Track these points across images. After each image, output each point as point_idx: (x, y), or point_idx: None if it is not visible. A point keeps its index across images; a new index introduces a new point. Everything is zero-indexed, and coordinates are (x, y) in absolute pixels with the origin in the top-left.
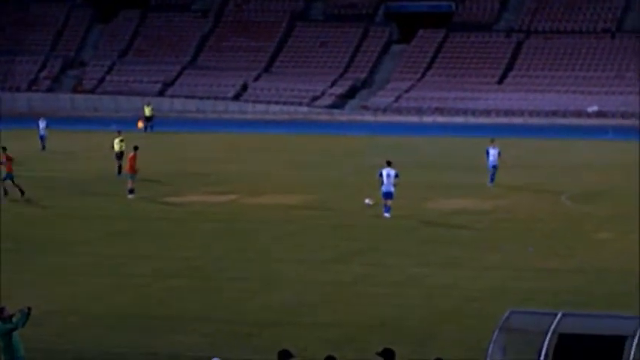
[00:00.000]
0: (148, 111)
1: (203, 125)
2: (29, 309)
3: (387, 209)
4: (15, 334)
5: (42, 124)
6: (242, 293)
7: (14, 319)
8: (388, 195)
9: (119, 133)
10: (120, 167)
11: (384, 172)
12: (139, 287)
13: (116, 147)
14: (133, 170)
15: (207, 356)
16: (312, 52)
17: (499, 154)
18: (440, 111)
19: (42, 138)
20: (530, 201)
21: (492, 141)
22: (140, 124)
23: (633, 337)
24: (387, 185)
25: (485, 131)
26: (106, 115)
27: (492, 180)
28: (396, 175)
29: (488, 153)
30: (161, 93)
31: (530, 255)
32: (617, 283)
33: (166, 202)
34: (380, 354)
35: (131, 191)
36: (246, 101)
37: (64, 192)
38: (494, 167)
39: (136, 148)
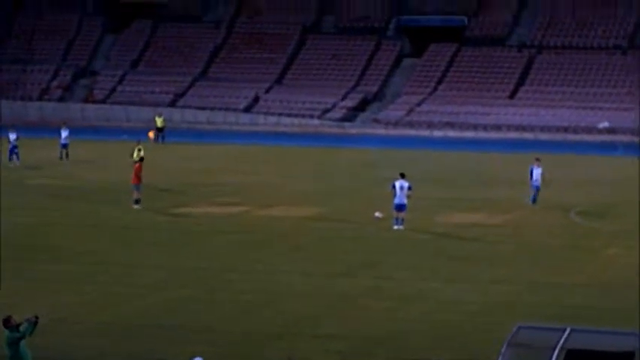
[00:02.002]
0: (159, 122)
1: (214, 136)
2: (37, 318)
3: (399, 221)
4: (22, 343)
5: (64, 132)
6: (249, 304)
7: (21, 328)
8: (401, 207)
9: (138, 142)
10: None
11: (397, 184)
12: (145, 297)
13: (135, 156)
14: (138, 180)
15: None
16: (324, 65)
17: (542, 174)
18: (451, 125)
19: (64, 146)
20: (539, 216)
21: (538, 160)
22: (151, 135)
23: None
24: (400, 197)
25: (495, 146)
26: (116, 125)
27: (534, 200)
28: (409, 188)
29: (532, 172)
30: (172, 104)
31: (538, 270)
32: (625, 298)
33: (176, 213)
34: None
35: (137, 202)
36: (258, 113)
37: (75, 200)
38: (537, 188)
39: (141, 159)
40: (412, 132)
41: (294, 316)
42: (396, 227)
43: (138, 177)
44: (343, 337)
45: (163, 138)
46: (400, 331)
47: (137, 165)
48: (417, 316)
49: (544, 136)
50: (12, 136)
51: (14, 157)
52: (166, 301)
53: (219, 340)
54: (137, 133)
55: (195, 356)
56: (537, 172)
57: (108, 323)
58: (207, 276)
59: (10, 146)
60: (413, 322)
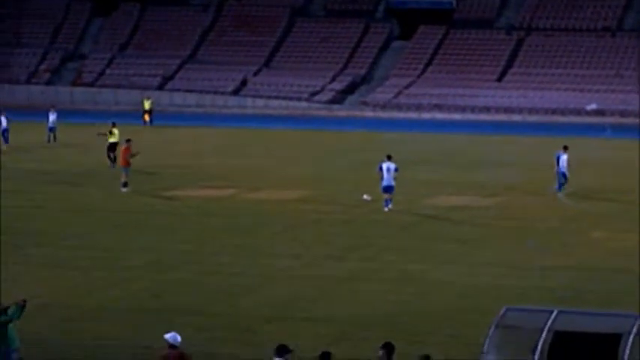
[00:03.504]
0: (147, 104)
1: (202, 119)
2: (24, 301)
3: (388, 202)
4: (10, 326)
5: (52, 116)
6: (238, 288)
7: (9, 312)
8: (389, 189)
9: (114, 124)
10: (114, 158)
11: (384, 166)
12: (134, 280)
13: (111, 138)
14: (127, 163)
15: (203, 351)
16: (312, 48)
17: (567, 160)
18: (439, 107)
19: (51, 130)
20: (527, 198)
21: (565, 148)
22: (147, 117)
23: (629, 334)
24: (388, 179)
25: (483, 128)
26: (105, 109)
27: (560, 187)
28: (396, 169)
29: (558, 159)
30: (160, 87)
31: (527, 252)
32: (612, 280)
33: (164, 196)
34: (381, 347)
35: (125, 184)
36: (246, 96)
37: (63, 184)
38: (564, 175)
39: (128, 141)
40: (400, 114)
41: (284, 300)
42: (386, 209)
43: (126, 160)
44: (333, 320)
45: (151, 121)
46: (390, 314)
47: (124, 147)
48: (406, 299)
49: (532, 118)
50: (3, 120)
51: (2, 140)
52: (154, 285)
53: (208, 324)
54: (126, 116)
55: (169, 331)
56: (564, 159)
57: (94, 308)
58: (196, 259)
59: (1, 130)
60: (402, 304)
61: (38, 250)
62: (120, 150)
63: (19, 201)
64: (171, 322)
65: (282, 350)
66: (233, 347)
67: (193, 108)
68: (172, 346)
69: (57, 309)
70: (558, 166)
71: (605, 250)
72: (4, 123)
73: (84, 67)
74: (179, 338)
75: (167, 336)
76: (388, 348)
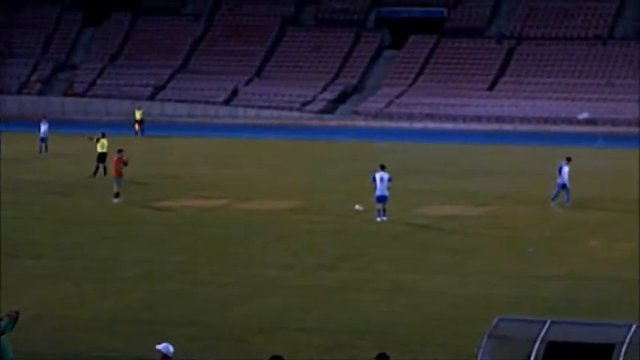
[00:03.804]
0: (138, 115)
1: (194, 129)
2: (17, 313)
3: (382, 213)
4: (3, 337)
5: (43, 126)
6: (230, 298)
7: (2, 323)
8: (382, 199)
9: (103, 135)
10: (104, 169)
11: (378, 176)
12: (126, 291)
13: (99, 148)
14: (119, 174)
15: None
16: (303, 57)
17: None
18: (431, 117)
19: (43, 140)
20: (520, 208)
21: (568, 160)
22: (137, 127)
23: (622, 344)
24: (381, 189)
25: (475, 137)
26: (96, 119)
27: (555, 198)
28: (390, 179)
29: (560, 170)
30: (152, 97)
31: (519, 261)
32: (606, 290)
33: (156, 207)
34: (375, 358)
35: (116, 195)
36: (237, 106)
37: (54, 194)
38: (565, 186)
39: (120, 151)
40: (392, 124)
41: (276, 310)
42: (379, 219)
43: (118, 170)
44: (326, 331)
45: (142, 131)
46: (382, 324)
47: (116, 158)
48: (398, 309)
49: (524, 128)
50: None
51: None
52: (147, 296)
53: (200, 334)
54: (117, 126)
55: (162, 342)
56: (565, 171)
57: (87, 319)
58: (188, 270)
59: None
60: (395, 315)
61: (29, 261)
62: (112, 160)
63: (10, 212)
64: (164, 333)
65: None
66: (226, 357)
67: (185, 118)
68: (165, 357)
69: (50, 320)
70: (560, 176)
71: (600, 259)
72: None
73: (75, 77)
74: (171, 349)
75: (159, 347)
76: (383, 359)
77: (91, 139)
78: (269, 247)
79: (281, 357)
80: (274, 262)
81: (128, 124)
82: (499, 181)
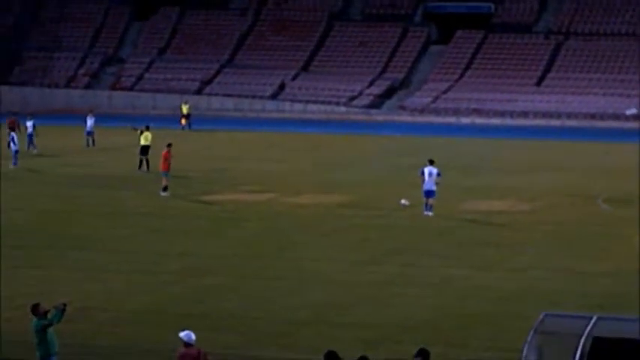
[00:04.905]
0: (185, 109)
1: (240, 124)
2: (64, 305)
3: (429, 208)
4: (50, 330)
5: (90, 120)
6: (277, 292)
7: (49, 316)
8: (430, 193)
9: (147, 128)
10: (147, 162)
11: (426, 171)
12: (173, 284)
13: (142, 141)
14: (167, 167)
15: (241, 354)
16: (350, 52)
17: None
18: (477, 112)
19: (89, 134)
20: (566, 203)
21: None
22: (184, 121)
23: None
24: (429, 183)
25: (522, 133)
26: (144, 113)
27: None
28: (438, 174)
29: None
30: (199, 91)
31: (566, 257)
32: None
33: (203, 201)
34: (416, 355)
35: (165, 189)
36: (284, 100)
37: (101, 188)
38: None
39: (169, 145)
40: (439, 119)
41: (322, 304)
42: (425, 213)
43: (166, 164)
44: (371, 325)
45: (190, 125)
46: (428, 319)
47: (165, 152)
48: (444, 304)
49: (571, 123)
50: (29, 124)
51: (31, 145)
52: (193, 289)
53: (246, 327)
54: (164, 120)
55: (184, 329)
56: None
57: (134, 311)
58: (235, 263)
59: (27, 133)
60: (440, 310)
61: (77, 253)
62: (159, 154)
63: (58, 205)
64: (210, 327)
65: (331, 357)
66: (272, 351)
67: (231, 112)
68: (188, 345)
69: (97, 313)
70: None
71: None
72: (29, 126)
73: (123, 71)
74: (194, 336)
75: (182, 334)
76: (423, 354)
77: (135, 129)
78: (315, 242)
79: (335, 352)
80: (320, 256)
81: (175, 118)
82: (546, 177)
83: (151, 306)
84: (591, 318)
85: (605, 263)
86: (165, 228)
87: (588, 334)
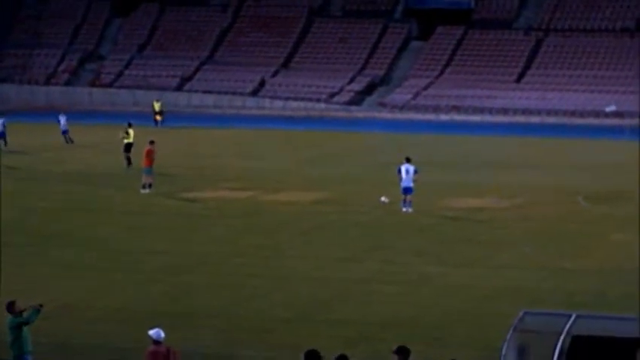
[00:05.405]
0: (157, 106)
1: (220, 121)
2: (40, 306)
3: (408, 204)
4: (25, 328)
5: (62, 119)
6: (257, 290)
7: (25, 315)
8: (408, 190)
9: (129, 125)
10: (129, 159)
11: (403, 168)
12: (153, 283)
13: (126, 139)
14: (149, 164)
15: (222, 353)
16: (331, 49)
17: None
18: (457, 109)
19: (65, 132)
20: (546, 201)
21: None
22: (158, 118)
23: None
24: (407, 181)
25: (502, 130)
26: (123, 109)
27: None
28: (415, 171)
29: None
30: (179, 88)
31: (545, 255)
32: (632, 284)
33: (183, 198)
34: (395, 352)
35: (146, 186)
36: (264, 97)
37: (82, 185)
38: None
39: (151, 142)
40: (419, 116)
41: (302, 301)
42: (404, 210)
43: (149, 160)
44: (351, 322)
45: (162, 122)
46: (408, 317)
47: (148, 149)
48: (424, 301)
49: (551, 120)
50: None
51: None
52: (174, 287)
53: (227, 325)
54: (144, 117)
55: (154, 327)
56: None
57: (113, 309)
58: (214, 261)
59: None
60: (420, 307)
61: (56, 251)
62: (143, 151)
63: (37, 203)
64: (190, 325)
65: (312, 356)
66: (253, 349)
67: (211, 109)
68: (157, 342)
69: (75, 311)
70: None
71: (625, 253)
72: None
73: (102, 68)
74: (162, 334)
75: (151, 332)
76: (403, 352)
77: (123, 137)
78: (295, 239)
79: (316, 351)
80: (300, 253)
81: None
82: (526, 174)
83: (131, 304)
84: (571, 316)
85: (585, 260)
86: (146, 225)
87: (567, 331)
